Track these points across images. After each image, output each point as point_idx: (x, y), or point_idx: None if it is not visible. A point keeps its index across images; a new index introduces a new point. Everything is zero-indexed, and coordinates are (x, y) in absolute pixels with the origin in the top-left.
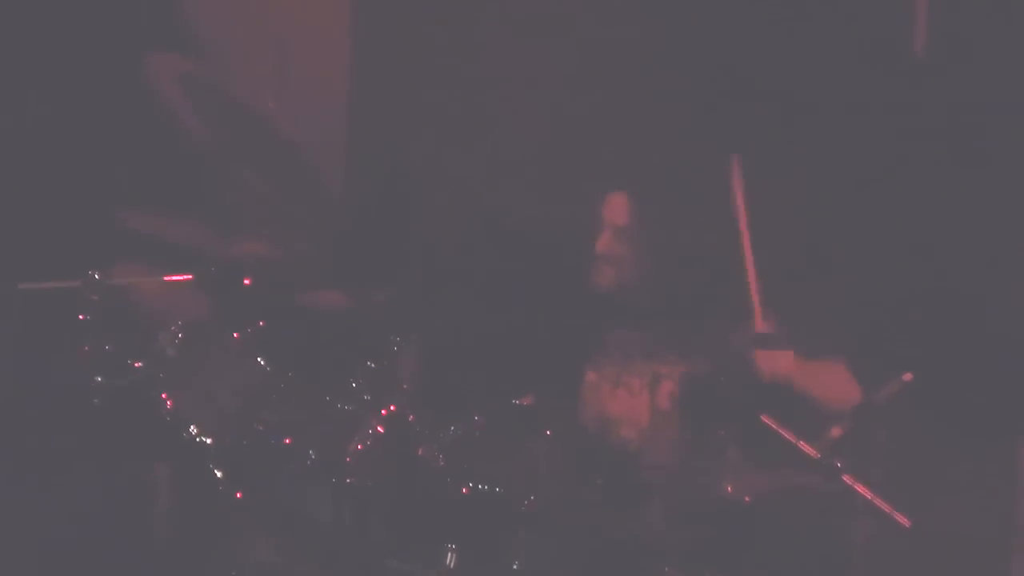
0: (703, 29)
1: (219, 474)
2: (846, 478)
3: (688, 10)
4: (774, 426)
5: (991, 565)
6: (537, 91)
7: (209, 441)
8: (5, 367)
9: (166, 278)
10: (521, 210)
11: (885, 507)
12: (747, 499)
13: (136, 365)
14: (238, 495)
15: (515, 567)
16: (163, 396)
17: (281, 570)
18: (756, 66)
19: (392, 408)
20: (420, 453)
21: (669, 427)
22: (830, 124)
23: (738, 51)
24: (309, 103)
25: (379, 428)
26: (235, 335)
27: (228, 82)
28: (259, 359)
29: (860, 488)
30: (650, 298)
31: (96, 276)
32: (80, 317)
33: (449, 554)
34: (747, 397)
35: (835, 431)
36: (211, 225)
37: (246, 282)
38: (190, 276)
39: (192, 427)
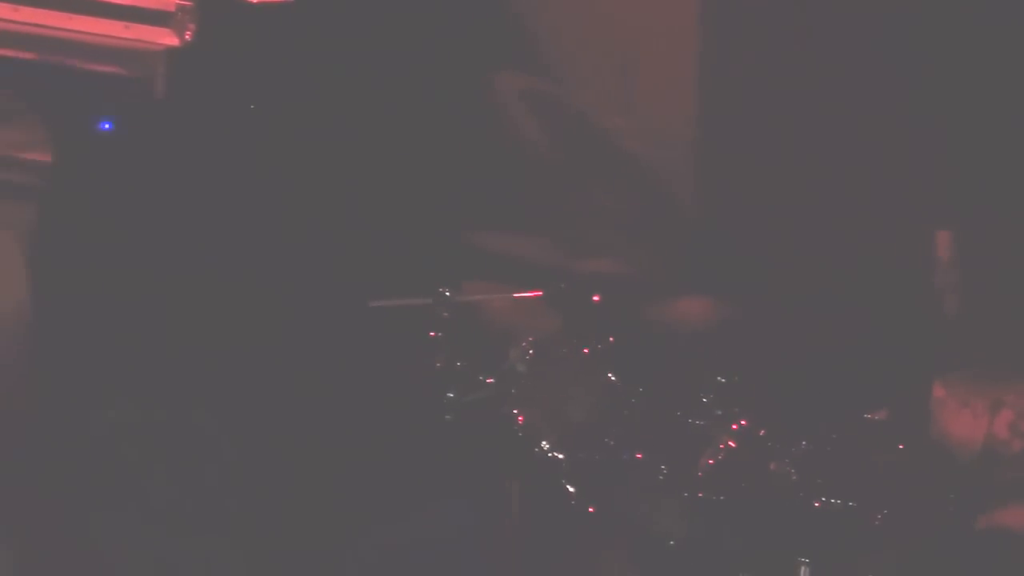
0: None
1: (571, 489)
2: None
3: None
4: None
5: None
6: (883, 121)
7: (561, 456)
8: (360, 385)
9: (516, 295)
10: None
11: None
12: None
13: (487, 381)
14: (590, 510)
15: None
16: (514, 412)
17: None
18: None
19: (743, 422)
20: (772, 468)
21: (1006, 453)
22: None
23: None
24: (655, 118)
25: (731, 443)
26: (585, 351)
27: (575, 99)
28: (609, 374)
29: None
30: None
31: (447, 293)
32: (431, 334)
33: (802, 568)
34: None
35: None
36: (560, 242)
37: (595, 298)
38: (539, 292)
39: (544, 442)
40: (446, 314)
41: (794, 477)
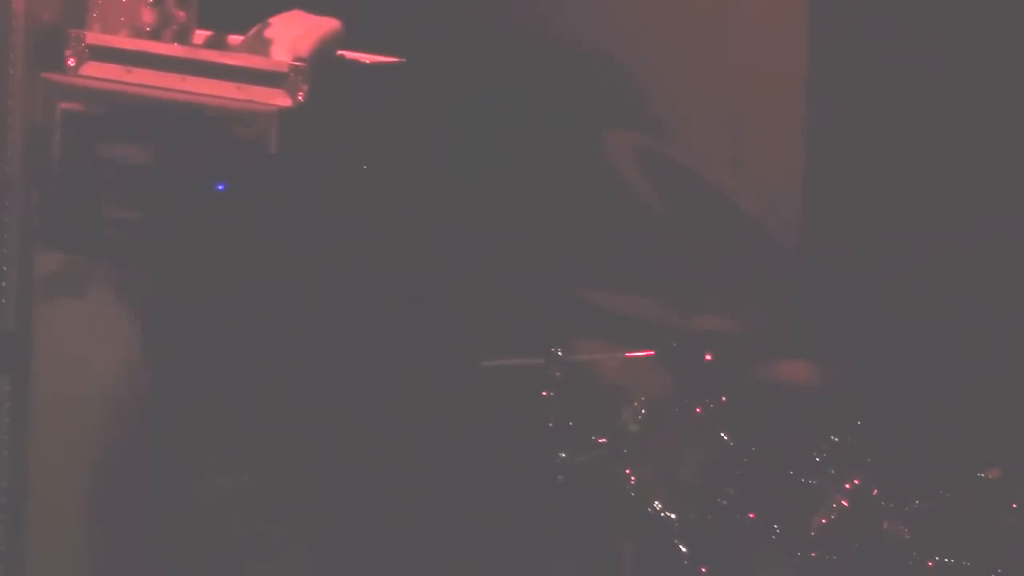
0: None
1: (683, 549)
2: None
3: None
4: None
5: None
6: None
7: (673, 516)
8: (470, 445)
9: (628, 354)
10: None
11: None
12: None
13: (599, 441)
14: (702, 570)
15: None
16: (626, 471)
17: None
18: None
19: (856, 482)
20: (885, 527)
21: None
22: None
23: None
24: (766, 177)
25: (843, 501)
26: (697, 410)
27: (686, 158)
28: (722, 434)
29: None
30: None
31: (559, 353)
32: (543, 394)
33: None
34: None
35: None
36: (671, 301)
37: (707, 357)
38: (651, 352)
39: (656, 502)
40: (558, 373)
41: (907, 536)
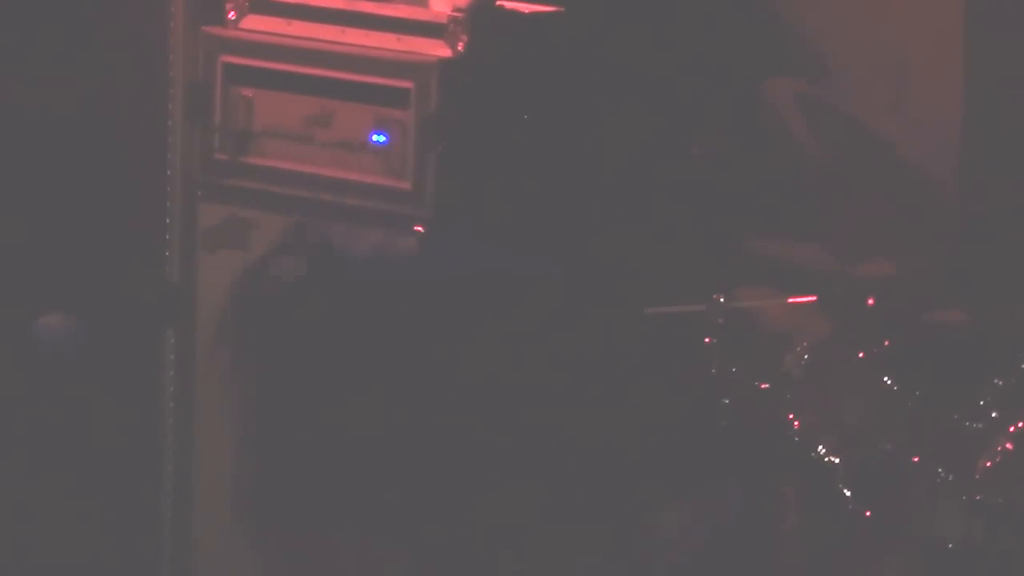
0: None
1: (847, 493)
2: None
3: None
4: None
5: None
6: None
7: (837, 461)
8: (631, 390)
9: (790, 300)
10: None
11: None
12: None
13: (763, 387)
14: (866, 514)
15: None
16: (790, 417)
17: None
18: None
19: (1020, 425)
20: None
21: None
22: None
23: None
24: (927, 122)
25: (1008, 445)
26: (860, 355)
27: (847, 104)
28: (885, 378)
29: None
30: None
31: (721, 299)
32: (706, 340)
33: None
34: None
35: None
36: (834, 246)
37: (870, 302)
38: (814, 297)
39: (820, 447)
40: (720, 320)
41: None
